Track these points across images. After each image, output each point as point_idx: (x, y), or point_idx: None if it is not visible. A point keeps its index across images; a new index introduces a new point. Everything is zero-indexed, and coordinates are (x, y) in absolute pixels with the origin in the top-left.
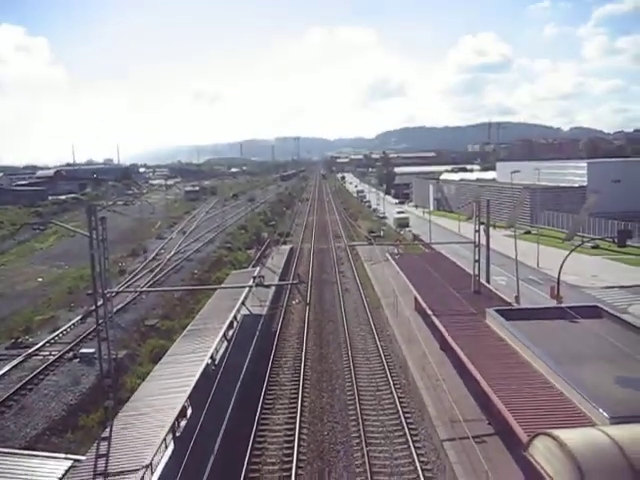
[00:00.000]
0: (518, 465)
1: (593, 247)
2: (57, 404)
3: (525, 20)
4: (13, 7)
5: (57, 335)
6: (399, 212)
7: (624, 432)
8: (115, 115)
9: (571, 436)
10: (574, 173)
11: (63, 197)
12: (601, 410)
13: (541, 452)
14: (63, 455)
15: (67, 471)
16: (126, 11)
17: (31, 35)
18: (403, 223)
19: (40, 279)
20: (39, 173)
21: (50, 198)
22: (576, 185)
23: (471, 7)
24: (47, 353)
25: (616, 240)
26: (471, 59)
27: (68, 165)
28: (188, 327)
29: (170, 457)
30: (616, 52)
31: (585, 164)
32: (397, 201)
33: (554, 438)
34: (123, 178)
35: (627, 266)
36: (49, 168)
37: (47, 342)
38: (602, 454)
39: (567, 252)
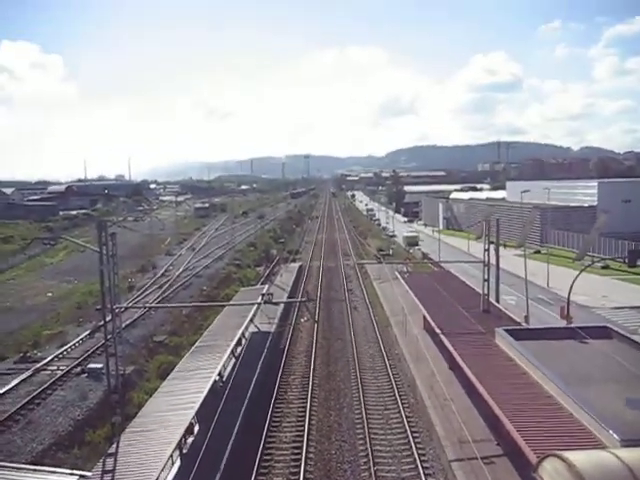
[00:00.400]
0: None
1: (603, 267)
2: (64, 419)
3: (536, 40)
4: (29, 25)
5: (65, 350)
6: (410, 231)
7: (634, 455)
8: (127, 131)
9: (580, 458)
10: (584, 193)
11: (74, 212)
12: (611, 432)
13: (550, 474)
14: (69, 471)
15: None
16: (140, 28)
17: (46, 52)
18: (412, 242)
19: (49, 294)
20: (50, 188)
21: (61, 213)
22: (586, 205)
23: (482, 26)
24: (55, 368)
25: (626, 260)
26: (481, 78)
27: (79, 181)
28: (196, 343)
29: (176, 474)
30: (626, 73)
31: (595, 184)
32: (406, 219)
33: (563, 460)
34: (134, 194)
35: (637, 286)
36: (61, 184)
37: (55, 357)
38: (612, 477)
39: (577, 272)
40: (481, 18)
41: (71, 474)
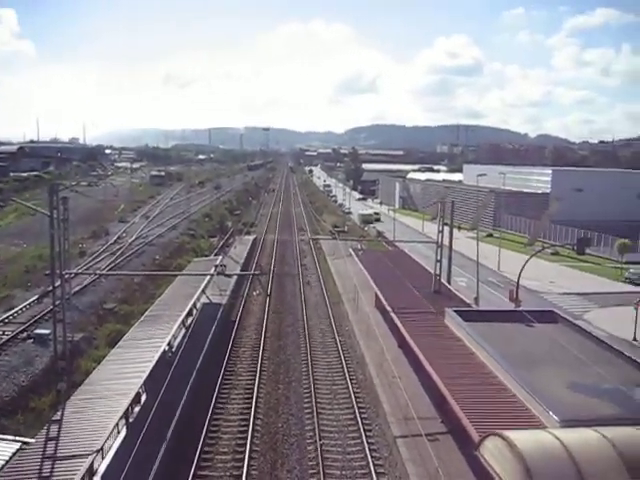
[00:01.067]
0: (468, 464)
1: (553, 253)
2: (8, 385)
3: (498, 26)
4: None
5: (12, 314)
6: (366, 210)
7: (573, 436)
8: (83, 95)
9: (521, 437)
10: (538, 180)
11: (25, 174)
12: (552, 413)
13: (491, 452)
14: (11, 437)
15: (15, 453)
16: None
17: None
18: (368, 219)
19: None
20: (1, 149)
21: (11, 174)
22: (540, 191)
23: (445, 9)
24: (0, 332)
25: (575, 248)
26: (443, 60)
27: (32, 142)
28: (147, 313)
29: (122, 443)
30: (585, 64)
31: (550, 171)
32: (359, 197)
33: (504, 439)
34: (88, 159)
35: (585, 273)
36: (12, 144)
37: (1, 321)
38: (551, 457)
39: (527, 257)
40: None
41: (14, 440)
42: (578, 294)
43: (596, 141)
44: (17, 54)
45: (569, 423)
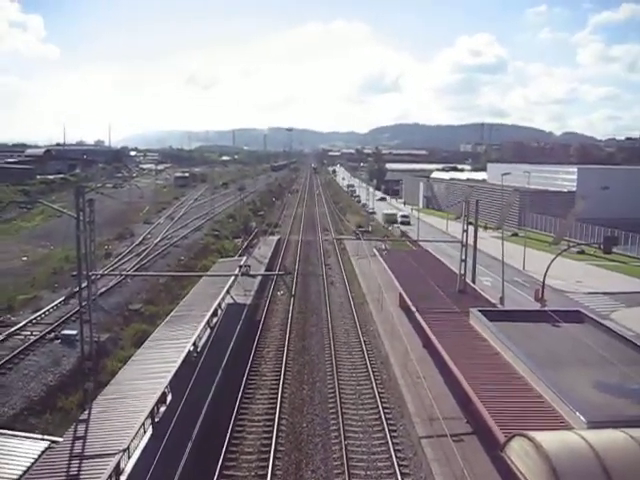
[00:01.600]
0: (494, 465)
1: (579, 252)
2: (36, 384)
3: (521, 24)
4: None
5: (39, 315)
6: (392, 210)
7: (600, 437)
8: (108, 97)
9: (547, 438)
10: (564, 178)
11: (52, 177)
12: (578, 414)
13: (517, 453)
14: (40, 436)
15: (43, 452)
16: None
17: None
18: (392, 219)
19: (25, 258)
20: (28, 152)
21: (38, 177)
22: (565, 190)
23: (468, 7)
24: (29, 333)
25: (602, 246)
26: (466, 59)
27: (58, 145)
28: (172, 313)
29: (148, 442)
30: (611, 60)
31: (575, 169)
32: (379, 197)
33: (530, 439)
34: (113, 161)
35: (611, 272)
36: (39, 147)
37: (29, 322)
38: (577, 457)
39: (553, 256)
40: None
41: (42, 439)
42: (605, 293)
43: (623, 138)
44: (43, 59)
45: (596, 424)
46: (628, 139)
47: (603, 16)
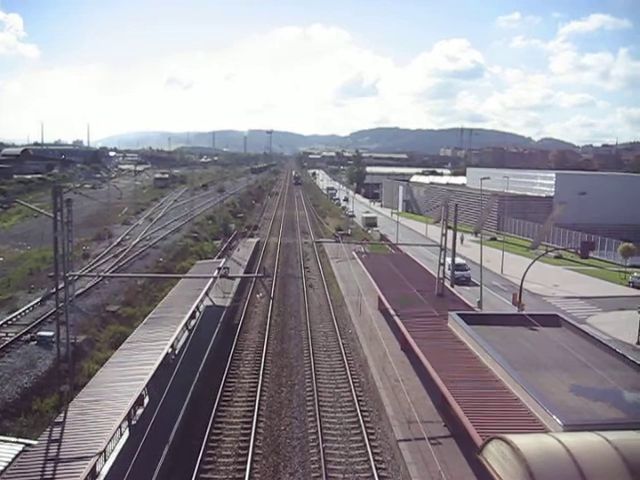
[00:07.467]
0: (472, 468)
1: (556, 257)
2: (11, 386)
3: (495, 30)
4: None
5: (15, 316)
6: (372, 213)
7: (577, 440)
8: (87, 97)
9: (524, 441)
10: (542, 183)
11: (29, 176)
12: (555, 417)
13: (494, 456)
14: (14, 439)
15: (17, 455)
16: None
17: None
18: (371, 222)
19: (0, 258)
20: (5, 151)
21: (16, 177)
22: (544, 195)
23: (443, 12)
24: (4, 334)
25: (579, 251)
26: (443, 64)
27: (36, 144)
28: (150, 315)
29: (124, 445)
30: (584, 68)
31: (554, 175)
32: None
33: (508, 443)
34: (92, 161)
35: (588, 277)
36: (16, 146)
37: (4, 323)
38: (554, 460)
39: (531, 260)
40: (443, 4)
41: (16, 442)
42: (582, 298)
43: (599, 144)
44: (22, 58)
45: (572, 427)
46: (605, 146)
47: (573, 25)
